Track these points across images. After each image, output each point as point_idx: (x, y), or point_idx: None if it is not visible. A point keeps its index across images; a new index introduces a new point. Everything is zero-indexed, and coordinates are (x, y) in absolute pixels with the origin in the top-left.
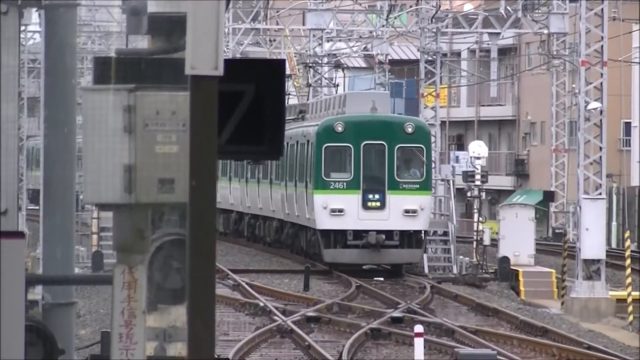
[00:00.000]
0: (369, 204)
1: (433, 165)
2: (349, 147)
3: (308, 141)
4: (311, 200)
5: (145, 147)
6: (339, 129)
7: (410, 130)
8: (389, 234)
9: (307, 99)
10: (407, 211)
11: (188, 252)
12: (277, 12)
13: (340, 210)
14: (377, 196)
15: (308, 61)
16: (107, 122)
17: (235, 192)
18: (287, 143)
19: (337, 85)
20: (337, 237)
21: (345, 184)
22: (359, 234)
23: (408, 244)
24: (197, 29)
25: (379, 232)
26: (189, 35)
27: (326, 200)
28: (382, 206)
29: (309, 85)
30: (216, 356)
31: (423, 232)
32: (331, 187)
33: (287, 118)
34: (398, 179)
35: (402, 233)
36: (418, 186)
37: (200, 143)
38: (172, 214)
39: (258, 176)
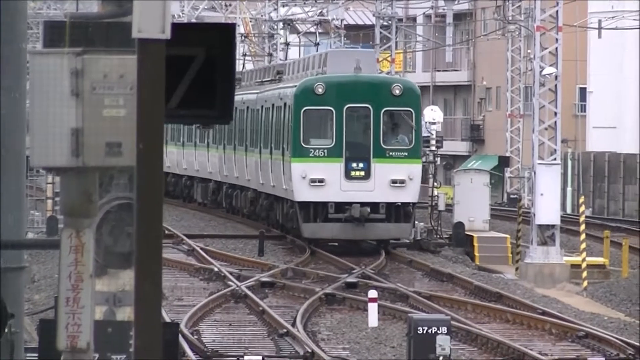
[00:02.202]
0: (353, 173)
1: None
2: (330, 111)
3: (285, 104)
4: (288, 169)
5: (92, 110)
6: (319, 90)
7: (397, 92)
8: (374, 206)
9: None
10: (394, 181)
11: (135, 215)
12: None
13: (321, 181)
14: (361, 165)
15: (263, 27)
16: (54, 85)
17: (213, 160)
18: (262, 106)
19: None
20: (317, 210)
21: (326, 151)
22: (341, 206)
23: (395, 218)
24: None
25: (363, 204)
26: None
27: (305, 169)
28: (367, 176)
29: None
30: (169, 321)
31: (412, 204)
32: (310, 154)
33: (262, 79)
34: (384, 146)
35: (389, 205)
36: (406, 154)
37: (148, 106)
38: (121, 177)
39: (234, 142)
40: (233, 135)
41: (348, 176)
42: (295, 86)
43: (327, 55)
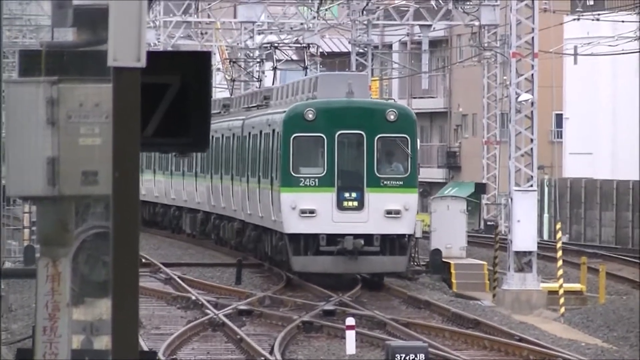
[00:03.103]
0: (345, 203)
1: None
2: (321, 138)
3: (274, 130)
4: (277, 200)
5: (68, 139)
6: (310, 116)
7: (392, 117)
8: (368, 238)
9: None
10: (389, 212)
11: (112, 244)
12: (209, 5)
13: (312, 211)
14: (354, 195)
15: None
16: (30, 114)
17: (201, 189)
18: (249, 133)
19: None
20: (308, 243)
21: (317, 180)
22: (333, 238)
23: (390, 251)
24: (119, 20)
25: (356, 236)
26: (111, 26)
27: (295, 199)
28: (360, 206)
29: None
30: (147, 350)
31: (408, 236)
32: (301, 184)
33: (249, 105)
34: (379, 175)
35: (384, 238)
36: (402, 183)
37: (123, 135)
38: (98, 206)
39: (221, 171)
40: (220, 164)
41: (340, 207)
42: (284, 112)
43: (318, 79)
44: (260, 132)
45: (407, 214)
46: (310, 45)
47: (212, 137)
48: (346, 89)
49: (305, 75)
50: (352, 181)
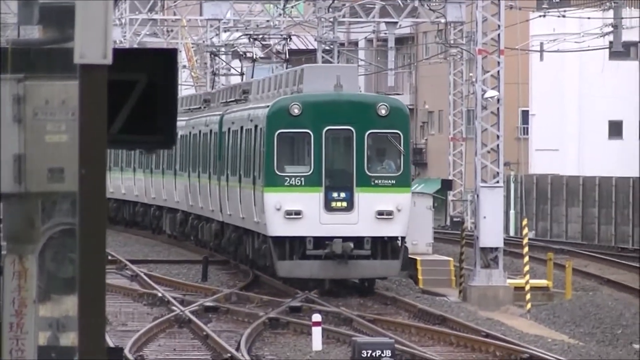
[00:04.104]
0: (333, 204)
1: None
2: (307, 134)
3: (256, 126)
4: (260, 200)
5: (34, 136)
6: (295, 111)
7: (384, 112)
8: (358, 241)
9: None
10: (380, 213)
11: (78, 241)
12: (174, 2)
13: (297, 213)
14: (343, 195)
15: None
16: None
17: (180, 188)
18: (229, 128)
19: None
20: (294, 246)
21: (303, 179)
22: (320, 241)
23: (382, 254)
24: (85, 16)
25: (345, 239)
26: (77, 23)
27: (279, 200)
28: (350, 207)
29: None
30: (113, 346)
31: (400, 238)
32: (286, 183)
33: (227, 100)
34: (369, 174)
35: (375, 240)
36: (394, 182)
37: (90, 132)
38: (64, 203)
39: (199, 169)
40: (197, 161)
41: (328, 207)
42: (268, 106)
43: (303, 71)
44: (241, 127)
45: (400, 215)
46: (290, 37)
47: (190, 133)
48: (334, 82)
49: (285, 68)
50: (341, 180)
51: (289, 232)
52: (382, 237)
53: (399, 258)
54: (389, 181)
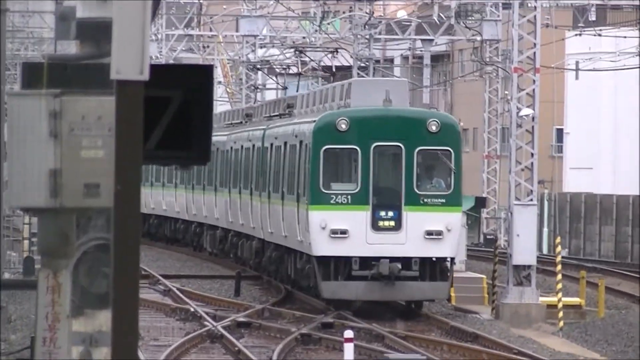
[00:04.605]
0: (381, 223)
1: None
2: (355, 150)
3: (301, 142)
4: (305, 218)
5: (70, 151)
6: (343, 126)
7: (434, 128)
8: (406, 262)
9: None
10: (429, 233)
11: (112, 256)
12: (211, 18)
13: (343, 232)
14: (390, 214)
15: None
16: (32, 126)
17: (220, 204)
18: (272, 144)
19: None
20: (339, 267)
21: (349, 197)
22: (367, 262)
23: (430, 276)
24: (122, 32)
25: (393, 259)
26: (114, 39)
27: (325, 218)
28: (398, 227)
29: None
30: None
31: (450, 259)
32: (332, 201)
33: (270, 114)
34: (418, 192)
35: (423, 261)
36: (444, 201)
37: (126, 148)
38: (99, 218)
39: (240, 185)
40: (238, 177)
41: (375, 227)
42: (314, 121)
43: (351, 85)
44: (285, 143)
45: (450, 235)
46: (337, 51)
47: (231, 148)
48: (383, 96)
49: (332, 82)
50: (389, 199)
51: (334, 252)
52: (431, 258)
53: (448, 280)
54: (439, 200)
